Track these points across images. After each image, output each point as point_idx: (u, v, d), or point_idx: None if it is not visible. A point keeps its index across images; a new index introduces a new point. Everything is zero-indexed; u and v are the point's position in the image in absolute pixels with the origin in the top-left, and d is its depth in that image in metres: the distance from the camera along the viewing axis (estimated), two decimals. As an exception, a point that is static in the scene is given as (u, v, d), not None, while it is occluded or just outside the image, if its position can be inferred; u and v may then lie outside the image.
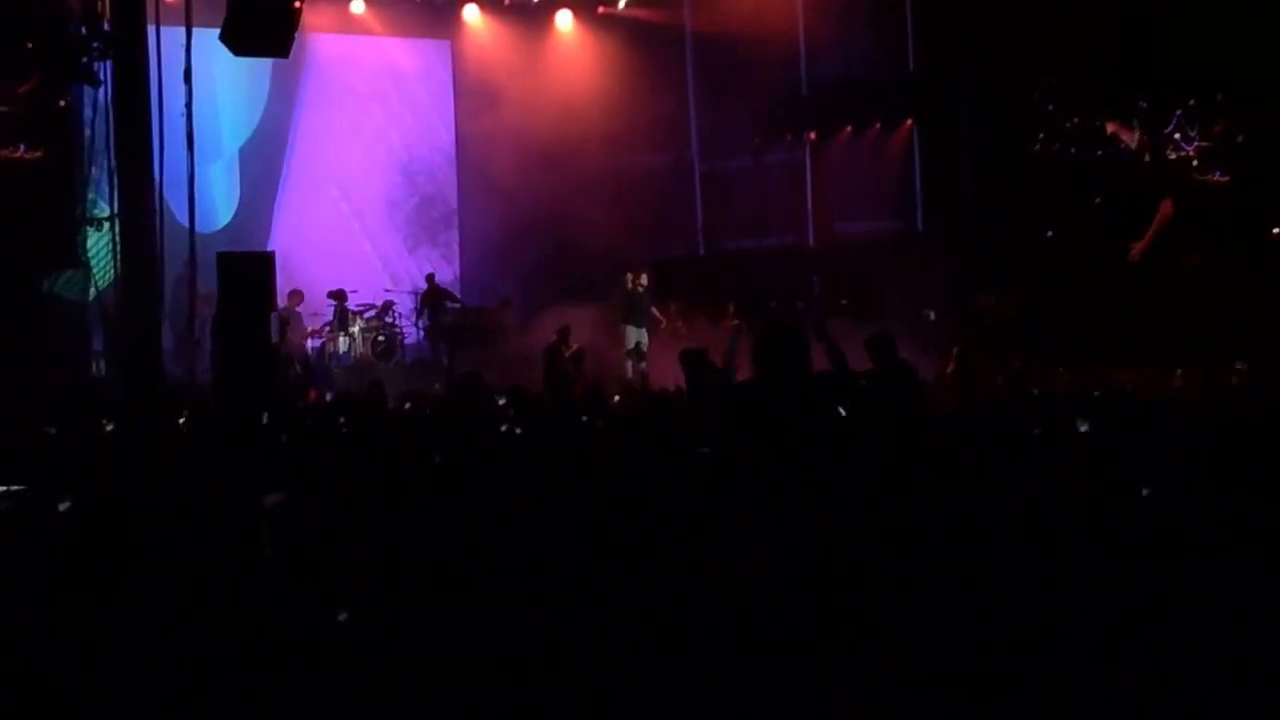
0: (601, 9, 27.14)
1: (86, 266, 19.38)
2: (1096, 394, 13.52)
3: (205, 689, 4.81)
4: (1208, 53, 22.33)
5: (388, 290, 25.91)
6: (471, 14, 27.21)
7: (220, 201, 25.20)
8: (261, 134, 26.13)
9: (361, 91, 27.19)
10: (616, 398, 15.57)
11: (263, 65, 23.70)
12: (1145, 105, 22.76)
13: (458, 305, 25.64)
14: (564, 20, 27.21)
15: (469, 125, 27.68)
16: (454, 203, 28.23)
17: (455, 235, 28.30)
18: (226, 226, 25.07)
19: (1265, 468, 7.01)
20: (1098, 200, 24.08)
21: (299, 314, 23.71)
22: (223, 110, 24.61)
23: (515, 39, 27.03)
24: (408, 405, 14.53)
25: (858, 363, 10.80)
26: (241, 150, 25.97)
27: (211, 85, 18.53)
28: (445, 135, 28.16)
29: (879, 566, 5.36)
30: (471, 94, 27.46)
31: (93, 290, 19.70)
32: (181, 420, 12.06)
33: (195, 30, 18.14)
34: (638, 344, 23.28)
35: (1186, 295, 21.71)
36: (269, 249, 24.78)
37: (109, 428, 11.25)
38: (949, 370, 17.87)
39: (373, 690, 4.87)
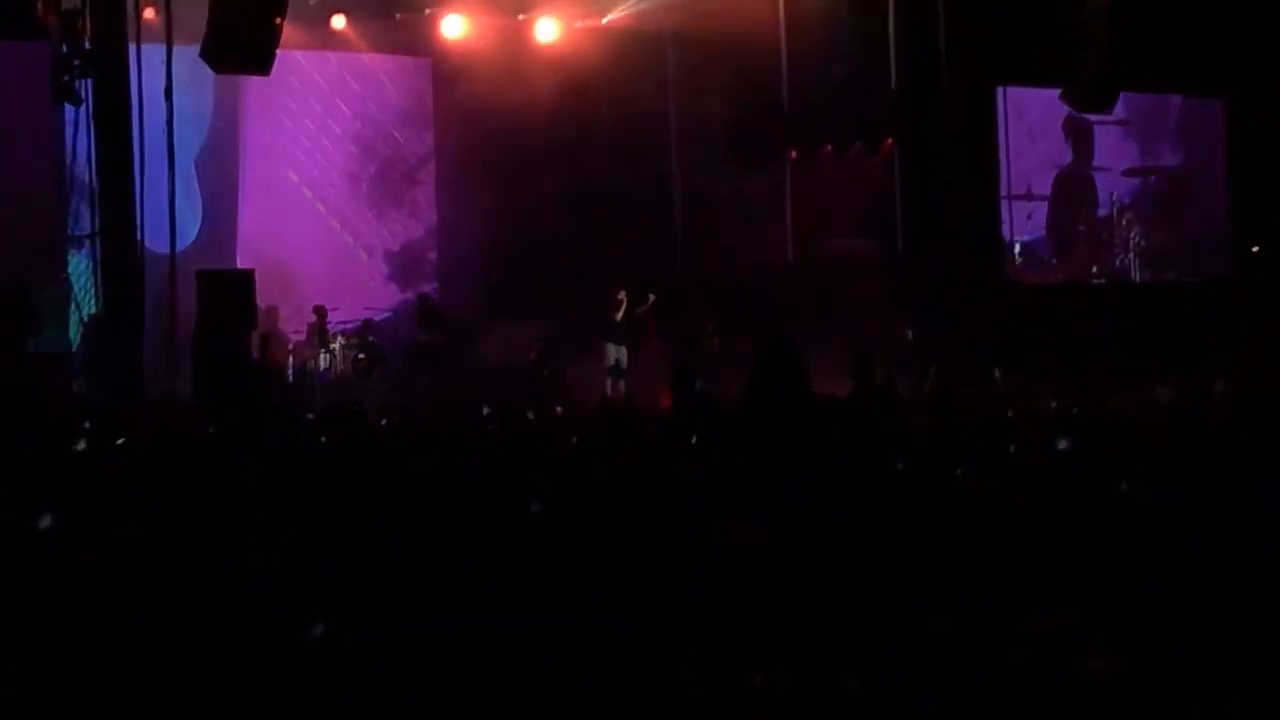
0: (580, 23, 27.13)
1: (69, 287, 19.35)
2: (1076, 411, 13.60)
3: (201, 697, 4.85)
4: (1196, 61, 22.52)
5: (367, 309, 25.92)
6: (450, 27, 27.07)
7: (186, 216, 24.98)
8: (212, 142, 25.84)
9: (308, 77, 26.90)
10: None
11: (203, 75, 22.92)
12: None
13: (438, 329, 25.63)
14: (545, 33, 27.16)
15: (445, 143, 27.70)
16: (413, 159, 28.08)
17: (419, 192, 28.11)
18: (195, 241, 24.84)
19: (1244, 482, 7.07)
20: (1082, 224, 24.28)
21: (281, 330, 23.74)
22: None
23: (494, 51, 26.92)
24: (384, 422, 14.52)
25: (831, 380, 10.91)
26: (196, 162, 25.72)
27: (162, 100, 18.41)
28: (393, 93, 27.86)
29: (863, 580, 5.40)
30: (448, 109, 27.46)
31: (74, 313, 19.61)
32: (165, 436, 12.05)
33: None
34: (617, 361, 23.28)
35: (1166, 312, 21.85)
36: (238, 255, 24.90)
37: (87, 444, 11.21)
38: (928, 389, 17.88)
39: (357, 695, 4.92)
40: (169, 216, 18.75)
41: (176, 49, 19.07)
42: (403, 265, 27.01)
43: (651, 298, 24.02)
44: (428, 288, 26.70)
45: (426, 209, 28.05)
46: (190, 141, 25.11)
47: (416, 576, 5.80)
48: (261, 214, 26.21)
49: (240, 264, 24.87)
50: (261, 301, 21.15)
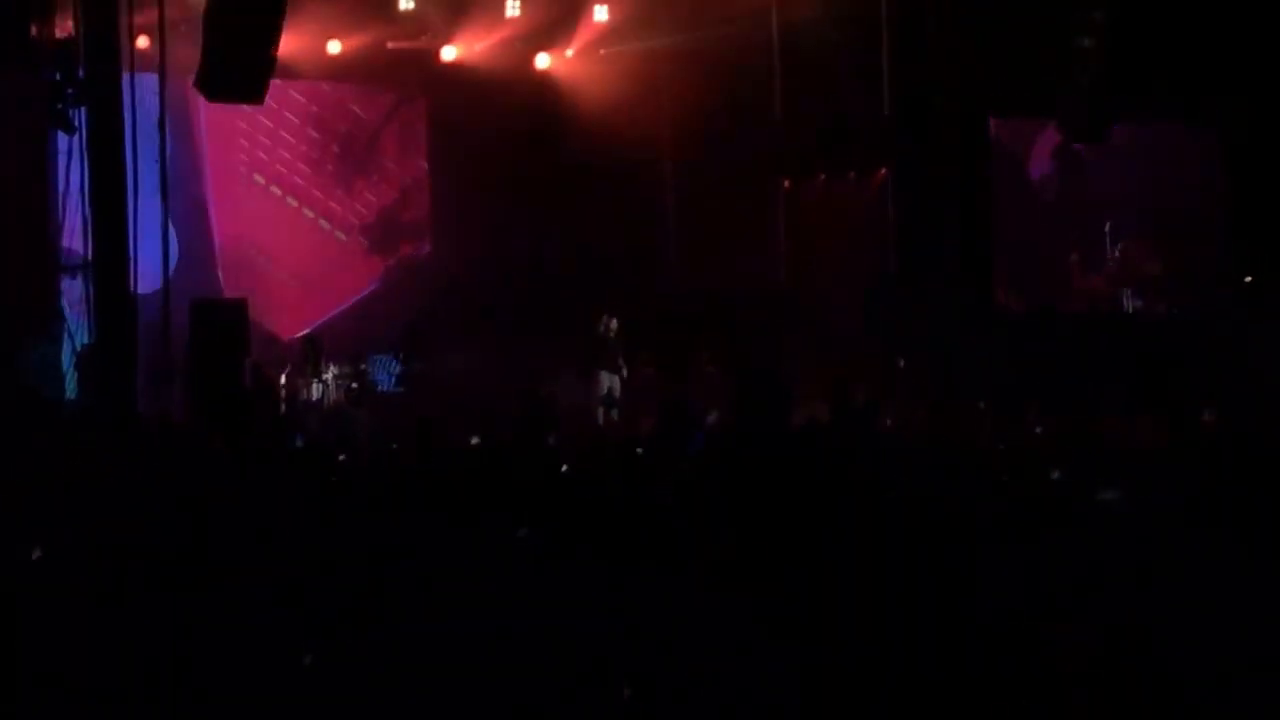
0: (571, 52, 27.19)
1: (62, 317, 19.30)
2: (1069, 439, 13.60)
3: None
4: (1190, 91, 22.58)
5: (360, 338, 25.99)
6: (445, 53, 27.07)
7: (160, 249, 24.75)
8: (175, 167, 25.57)
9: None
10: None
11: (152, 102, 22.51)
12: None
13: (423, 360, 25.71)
14: (540, 60, 27.22)
15: (440, 168, 27.74)
16: (371, 127, 27.94)
17: (383, 155, 27.96)
18: (177, 267, 24.63)
19: (1235, 514, 7.08)
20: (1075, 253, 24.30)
21: (282, 356, 23.86)
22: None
23: (487, 75, 26.94)
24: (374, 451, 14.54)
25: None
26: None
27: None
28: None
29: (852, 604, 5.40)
30: (444, 136, 27.50)
31: (67, 343, 19.54)
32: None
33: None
34: (610, 389, 23.27)
35: (1159, 341, 21.86)
36: (219, 271, 24.89)
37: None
38: (920, 418, 17.90)
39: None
40: (163, 244, 18.75)
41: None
42: (382, 233, 27.35)
43: (614, 322, 23.90)
44: (408, 248, 26.74)
45: (394, 168, 28.00)
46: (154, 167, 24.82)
47: (404, 603, 5.81)
48: (236, 226, 26.16)
49: (224, 280, 24.93)
50: (259, 318, 21.22)
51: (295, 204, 27.02)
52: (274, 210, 26.83)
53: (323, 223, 27.31)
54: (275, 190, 26.90)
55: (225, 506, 7.52)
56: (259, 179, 26.71)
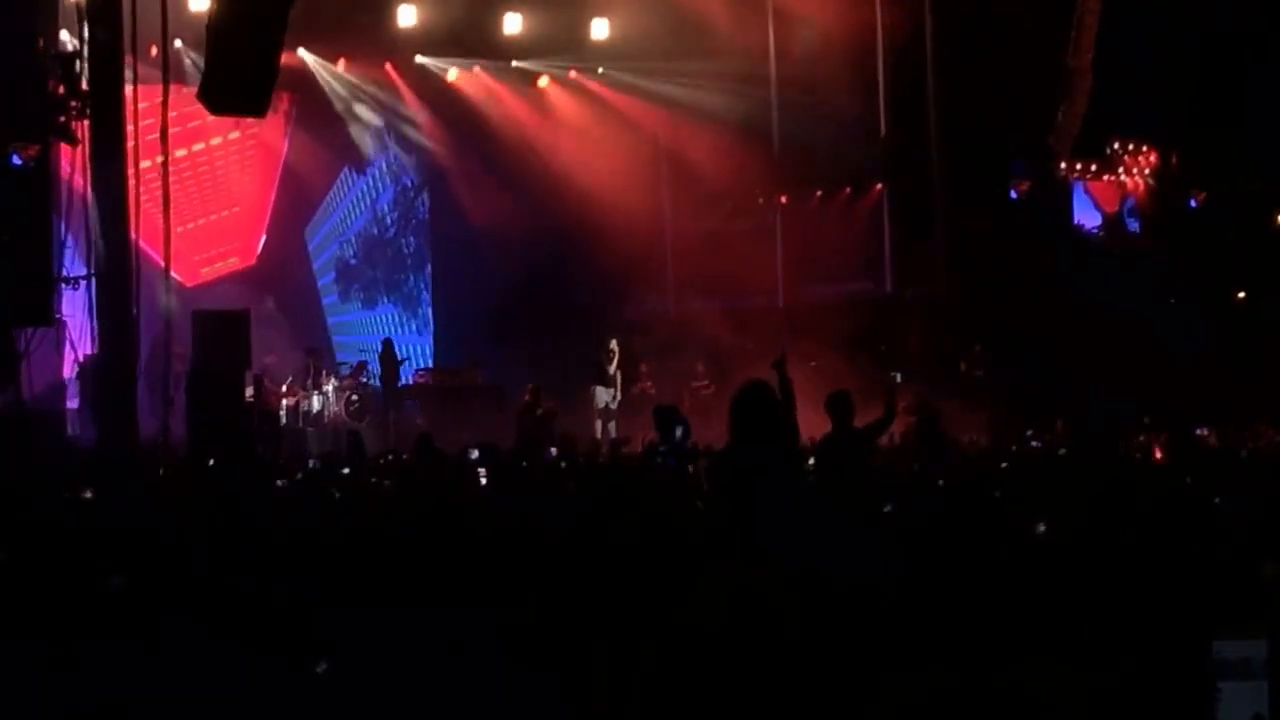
0: (574, 73, 27.28)
1: (62, 326, 19.34)
2: (1062, 452, 13.71)
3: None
4: (1182, 104, 22.66)
5: (362, 351, 26.06)
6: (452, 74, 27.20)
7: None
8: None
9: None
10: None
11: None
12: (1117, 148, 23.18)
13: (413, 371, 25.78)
14: (543, 80, 27.34)
15: (441, 186, 27.80)
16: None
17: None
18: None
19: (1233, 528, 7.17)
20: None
21: (282, 371, 23.93)
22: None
23: (494, 100, 27.02)
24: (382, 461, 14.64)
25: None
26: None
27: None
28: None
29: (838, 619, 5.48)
30: (447, 155, 27.57)
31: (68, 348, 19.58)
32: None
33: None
34: (606, 405, 23.36)
35: (1158, 358, 21.93)
36: (173, 273, 24.91)
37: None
38: (913, 432, 17.97)
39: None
40: (164, 259, 18.79)
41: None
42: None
43: (614, 345, 23.97)
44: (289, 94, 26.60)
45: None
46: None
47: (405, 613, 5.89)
48: (156, 218, 26.01)
49: (179, 273, 24.87)
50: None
51: (184, 152, 26.53)
52: (174, 175, 26.49)
53: (213, 140, 26.94)
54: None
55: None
56: (145, 164, 26.32)
